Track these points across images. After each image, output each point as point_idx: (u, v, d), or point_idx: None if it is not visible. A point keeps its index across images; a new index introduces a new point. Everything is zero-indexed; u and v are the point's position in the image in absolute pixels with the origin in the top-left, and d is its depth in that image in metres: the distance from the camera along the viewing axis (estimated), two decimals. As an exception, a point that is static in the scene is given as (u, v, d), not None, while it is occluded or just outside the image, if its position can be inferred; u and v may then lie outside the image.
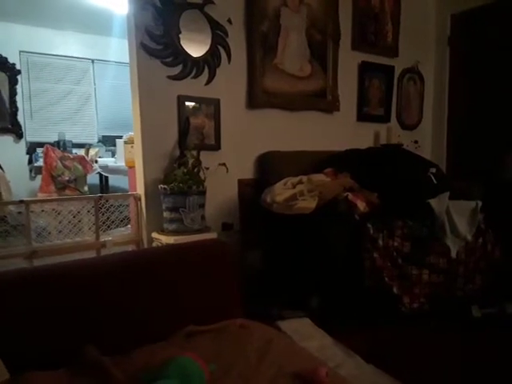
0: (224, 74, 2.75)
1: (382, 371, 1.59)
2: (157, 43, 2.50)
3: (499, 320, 2.39)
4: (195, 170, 2.36)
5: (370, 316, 2.24)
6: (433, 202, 2.45)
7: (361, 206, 2.45)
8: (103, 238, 2.55)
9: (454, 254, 2.41)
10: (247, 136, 2.91)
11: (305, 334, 1.51)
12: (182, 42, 2.56)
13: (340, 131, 3.41)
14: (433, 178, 2.76)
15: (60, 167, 4.15)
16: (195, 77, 2.64)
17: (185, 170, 2.32)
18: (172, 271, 1.42)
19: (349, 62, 3.40)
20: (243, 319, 1.38)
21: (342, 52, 3.31)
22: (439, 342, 2.11)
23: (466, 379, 1.77)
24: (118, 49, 5.14)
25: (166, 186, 2.28)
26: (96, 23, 4.95)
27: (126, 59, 2.58)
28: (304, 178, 2.70)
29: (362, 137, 3.54)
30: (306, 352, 1.20)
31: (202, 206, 2.37)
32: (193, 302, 1.42)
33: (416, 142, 3.76)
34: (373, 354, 1.83)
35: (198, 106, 2.66)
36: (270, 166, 2.92)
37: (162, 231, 2.40)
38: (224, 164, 2.54)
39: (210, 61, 2.68)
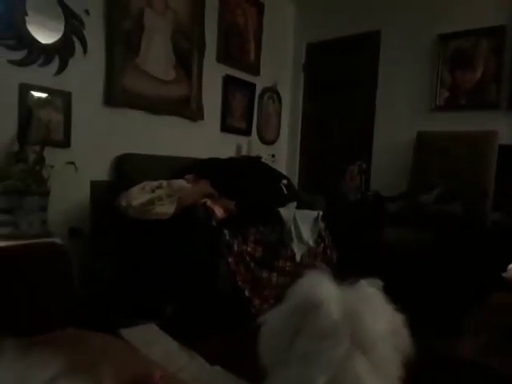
0: (78, 66, 2.54)
1: (226, 372, 1.62)
2: (-5, 22, 2.19)
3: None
4: (37, 167, 2.10)
5: (223, 320, 2.29)
6: (282, 210, 2.66)
7: (218, 212, 2.51)
8: None
9: (298, 258, 2.64)
10: (104, 135, 2.73)
11: (148, 341, 1.45)
12: (28, 25, 2.30)
13: (204, 140, 3.46)
14: (284, 188, 3.00)
15: None
16: (43, 65, 2.38)
17: (23, 167, 2.04)
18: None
19: (214, 73, 3.49)
20: (75, 329, 1.26)
21: (208, 63, 3.39)
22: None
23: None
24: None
25: (-3, 184, 1.97)
26: None
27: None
28: (164, 183, 2.65)
29: (224, 147, 3.66)
30: (143, 357, 1.15)
31: (44, 208, 2.11)
32: (18, 312, 1.24)
33: (273, 155, 4.04)
34: (221, 357, 1.86)
35: (44, 97, 2.39)
36: (129, 169, 2.79)
37: (-9, 236, 2.06)
38: (73, 163, 2.33)
39: (62, 50, 2.45)
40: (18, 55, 2.30)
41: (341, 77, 4.09)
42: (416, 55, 3.58)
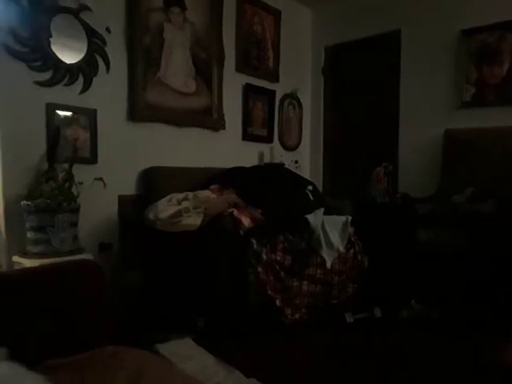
0: (102, 83, 2.59)
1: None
2: (23, 45, 2.26)
3: (369, 323, 2.61)
4: (66, 184, 2.13)
5: (255, 331, 2.26)
6: (309, 217, 2.61)
7: (245, 221, 2.48)
8: None
9: (328, 265, 2.58)
10: (129, 150, 2.76)
11: (185, 355, 1.43)
12: (52, 47, 2.35)
13: (226, 149, 3.46)
14: (310, 195, 2.96)
15: None
16: (68, 84, 2.44)
17: (53, 185, 2.08)
18: (29, 298, 1.23)
19: (233, 82, 3.50)
20: (114, 346, 1.25)
21: (227, 73, 3.40)
22: (318, 350, 2.21)
23: (344, 378, 1.90)
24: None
25: (29, 203, 2.01)
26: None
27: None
28: (190, 195, 2.66)
29: (247, 155, 3.65)
30: (182, 374, 1.14)
31: (75, 224, 2.14)
32: (56, 332, 1.24)
33: (296, 161, 4.00)
34: (256, 368, 1.83)
35: (71, 115, 2.44)
36: (155, 182, 2.81)
37: (26, 254, 2.10)
38: (101, 179, 2.36)
39: (86, 69, 2.49)
40: (44, 76, 2.35)
41: (362, 78, 4.03)
42: (438, 52, 3.49)
